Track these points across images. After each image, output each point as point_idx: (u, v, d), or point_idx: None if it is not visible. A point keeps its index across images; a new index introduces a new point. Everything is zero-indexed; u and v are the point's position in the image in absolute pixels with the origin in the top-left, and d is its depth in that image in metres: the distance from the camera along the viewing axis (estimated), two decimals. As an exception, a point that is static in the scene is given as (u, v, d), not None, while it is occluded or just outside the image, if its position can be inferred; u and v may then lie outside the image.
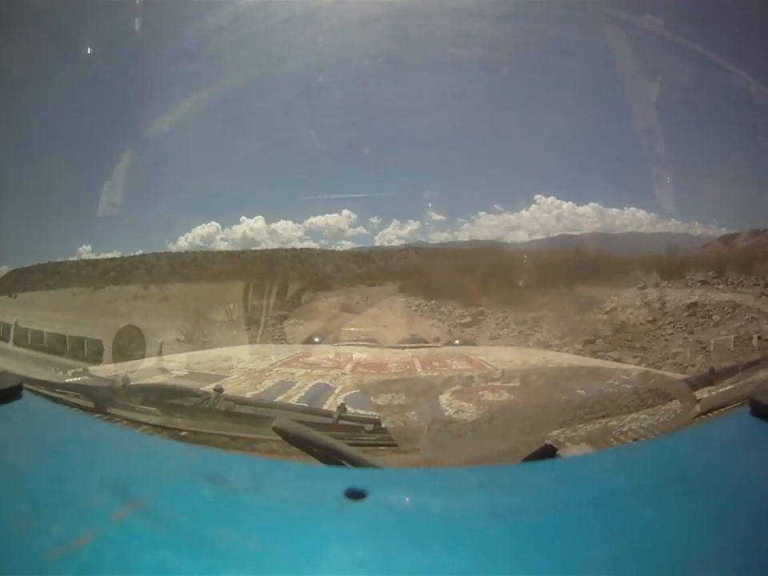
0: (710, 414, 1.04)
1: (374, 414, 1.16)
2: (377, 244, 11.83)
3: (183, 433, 1.09)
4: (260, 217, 10.74)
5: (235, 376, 1.95)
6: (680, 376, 1.73)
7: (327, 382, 1.83)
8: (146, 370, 2.11)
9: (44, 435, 0.92)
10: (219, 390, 1.25)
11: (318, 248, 11.61)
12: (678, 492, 0.66)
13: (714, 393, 1.12)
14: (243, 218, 10.76)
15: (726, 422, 0.98)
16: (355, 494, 0.63)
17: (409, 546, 0.55)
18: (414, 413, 1.26)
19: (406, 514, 0.63)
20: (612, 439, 0.97)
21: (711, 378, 1.22)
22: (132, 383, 1.29)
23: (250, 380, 1.86)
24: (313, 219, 11.29)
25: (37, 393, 1.11)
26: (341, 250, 11.91)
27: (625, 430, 1.00)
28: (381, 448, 1.02)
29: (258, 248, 10.91)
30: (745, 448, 0.81)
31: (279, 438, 0.92)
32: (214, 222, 10.66)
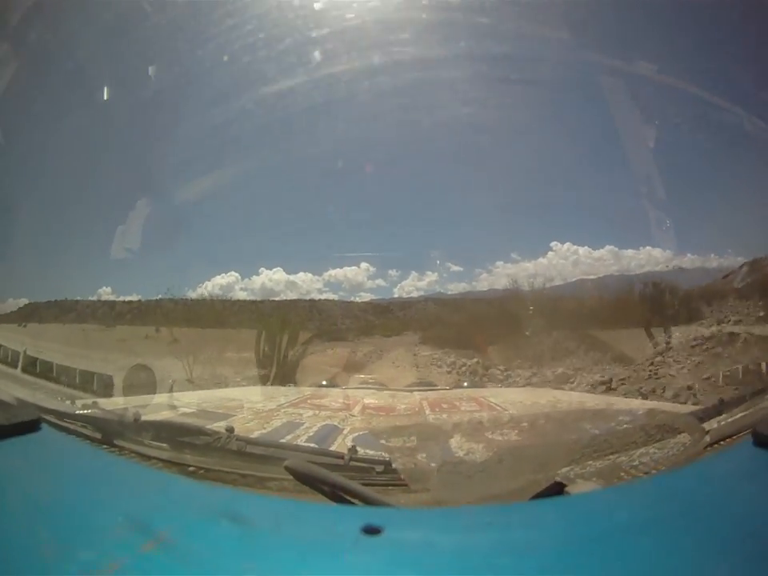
0: (721, 443, 1.04)
1: (385, 455, 1.16)
2: (395, 295, 12.00)
3: (192, 469, 1.09)
4: (279, 268, 10.96)
5: (243, 415, 1.95)
6: (688, 408, 1.73)
7: (335, 423, 1.83)
8: (156, 405, 2.11)
9: (62, 468, 0.93)
10: (230, 430, 1.26)
11: (337, 299, 11.77)
12: (682, 526, 0.66)
13: (723, 423, 1.12)
14: (263, 269, 10.98)
15: (730, 454, 0.98)
16: (371, 531, 0.63)
17: None
18: (423, 454, 1.26)
19: (419, 551, 0.63)
20: (622, 474, 0.97)
21: (720, 408, 1.22)
22: (143, 419, 1.30)
23: (258, 419, 1.86)
24: (332, 272, 11.47)
25: (52, 424, 1.12)
26: (359, 301, 12.08)
27: (635, 464, 1.00)
28: (391, 488, 1.02)
29: (276, 298, 11.09)
30: (748, 479, 0.81)
31: (290, 477, 0.93)
32: (233, 272, 10.88)
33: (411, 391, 3.31)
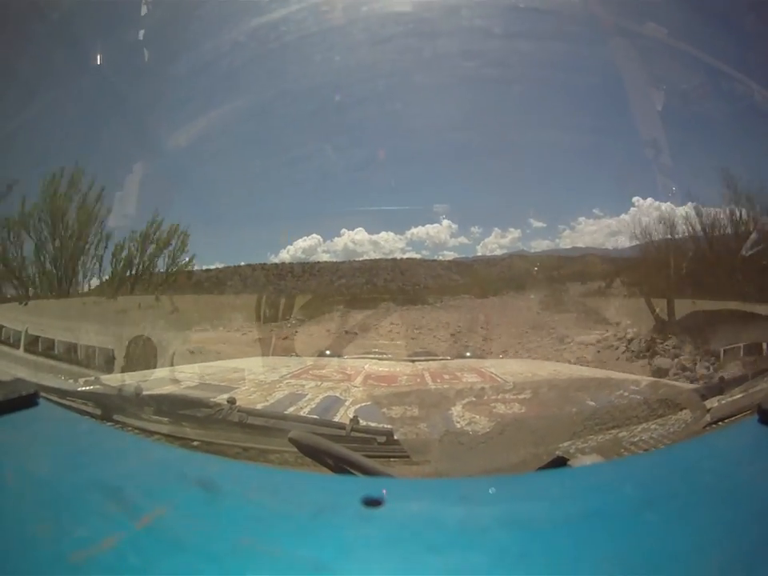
0: (720, 423, 1.04)
1: (386, 426, 1.17)
2: (479, 254, 11.81)
3: (195, 443, 1.10)
4: (361, 229, 10.82)
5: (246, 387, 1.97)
6: (690, 386, 1.73)
7: (337, 394, 1.85)
8: (157, 379, 2.13)
9: (60, 443, 0.94)
10: (232, 402, 1.27)
11: (420, 258, 11.51)
12: (686, 501, 0.66)
13: (723, 401, 1.12)
14: (344, 230, 10.84)
15: (735, 431, 0.98)
16: (372, 502, 0.64)
17: (426, 553, 0.56)
18: (425, 425, 1.27)
19: (421, 522, 0.63)
20: (623, 449, 0.97)
21: (721, 386, 1.22)
22: (145, 393, 1.31)
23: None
24: (414, 230, 11.26)
25: (51, 401, 1.12)
26: (442, 259, 11.77)
27: (635, 440, 1.00)
28: (393, 459, 1.03)
29: (359, 259, 10.95)
30: (753, 456, 0.81)
31: (292, 448, 0.93)
32: (315, 235, 10.75)
33: (413, 361, 3.33)
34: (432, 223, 11.02)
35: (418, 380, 2.46)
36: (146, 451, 0.95)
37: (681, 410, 1.11)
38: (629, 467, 0.86)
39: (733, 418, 1.04)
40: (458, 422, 1.35)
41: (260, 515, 0.65)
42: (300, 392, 1.88)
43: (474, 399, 1.59)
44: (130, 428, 1.14)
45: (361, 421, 1.22)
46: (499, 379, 2.42)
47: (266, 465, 1.01)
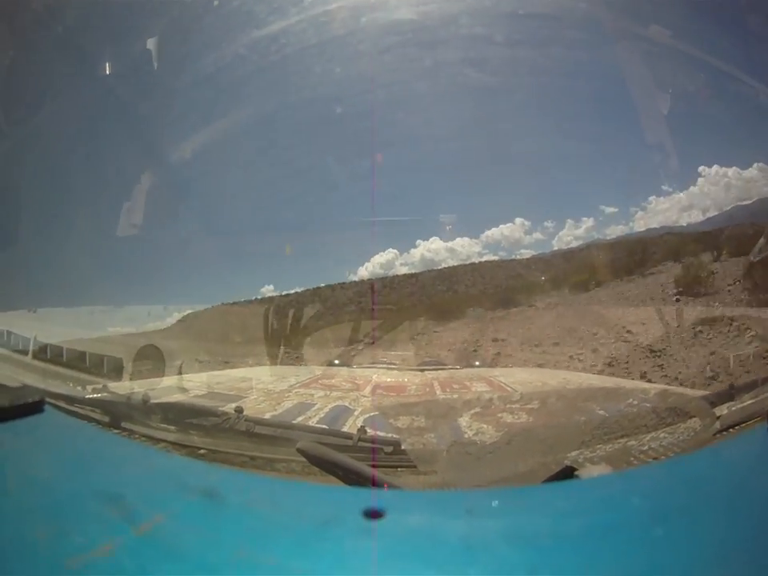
0: (730, 430, 1.03)
1: (394, 435, 1.17)
2: (555, 248, 11.49)
3: (202, 451, 1.10)
4: (435, 237, 10.66)
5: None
6: (700, 393, 1.71)
7: (346, 404, 1.85)
8: (165, 388, 2.14)
9: (64, 449, 0.94)
10: (240, 411, 1.27)
11: (498, 259, 11.25)
12: (697, 514, 0.65)
13: (733, 409, 1.11)
14: (419, 241, 10.71)
15: (744, 440, 0.97)
16: (374, 514, 0.63)
17: (426, 567, 0.55)
18: (432, 435, 1.27)
19: (424, 535, 0.63)
20: (632, 458, 0.97)
21: (731, 393, 1.21)
22: (152, 401, 1.32)
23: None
24: (488, 232, 11.06)
25: (58, 407, 1.13)
26: (520, 258, 11.53)
27: (644, 449, 1.00)
28: (400, 470, 1.03)
29: (437, 268, 10.75)
30: (763, 467, 0.80)
31: (300, 458, 0.94)
32: (391, 249, 10.64)
33: (422, 371, 3.33)
34: (505, 223, 10.77)
35: (427, 389, 2.46)
36: (150, 459, 0.96)
37: (690, 418, 1.10)
38: (637, 479, 0.85)
39: (743, 425, 1.03)
40: (466, 432, 1.35)
41: (260, 526, 0.65)
42: (309, 401, 1.88)
43: (482, 409, 1.59)
44: (136, 435, 1.15)
45: (368, 431, 1.22)
46: (508, 388, 2.41)
47: (268, 475, 1.01)
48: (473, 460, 1.03)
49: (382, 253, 10.57)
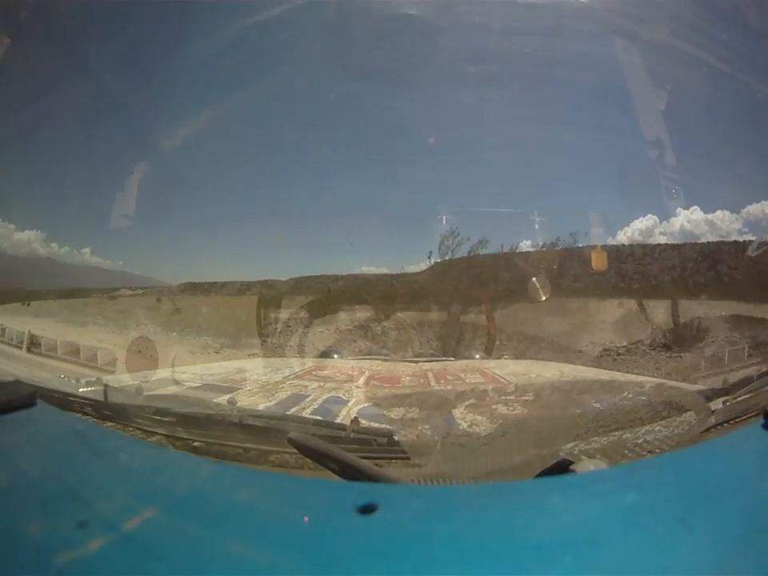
0: (725, 425, 1.03)
1: (388, 427, 1.17)
2: None
3: (196, 444, 1.09)
4: (696, 207, 9.82)
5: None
6: (695, 387, 1.72)
7: (340, 395, 1.84)
8: (160, 380, 2.13)
9: (57, 444, 0.93)
10: (233, 402, 1.26)
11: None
12: (692, 509, 0.65)
13: (728, 404, 1.11)
14: (679, 209, 9.80)
15: (739, 435, 0.97)
16: (366, 509, 0.63)
17: (420, 561, 0.55)
18: (426, 426, 1.27)
19: (417, 531, 0.62)
20: (627, 451, 0.96)
21: (726, 388, 1.21)
22: (145, 393, 1.31)
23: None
24: (749, 208, 9.99)
25: (50, 402, 1.11)
26: None
27: (639, 442, 1.00)
28: (394, 461, 1.03)
29: (697, 242, 9.61)
30: (759, 462, 0.80)
31: (292, 449, 0.93)
32: (651, 215, 9.84)
33: (416, 362, 3.33)
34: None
35: (422, 381, 2.46)
36: (141, 453, 0.95)
37: (685, 411, 1.10)
38: (632, 473, 0.84)
39: (738, 420, 1.03)
40: (460, 424, 1.35)
41: (251, 521, 0.64)
42: (303, 393, 1.88)
43: (476, 400, 1.59)
44: (130, 429, 1.14)
45: (362, 422, 1.21)
46: (502, 380, 2.42)
47: (261, 468, 1.00)
48: (467, 451, 1.03)
49: (641, 218, 9.74)
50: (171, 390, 1.80)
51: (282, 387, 1.99)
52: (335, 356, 4.39)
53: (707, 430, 1.02)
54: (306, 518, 0.63)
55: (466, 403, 1.54)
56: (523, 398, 1.69)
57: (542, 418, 1.43)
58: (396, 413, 1.43)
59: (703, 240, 9.47)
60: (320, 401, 1.73)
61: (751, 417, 1.00)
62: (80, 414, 1.16)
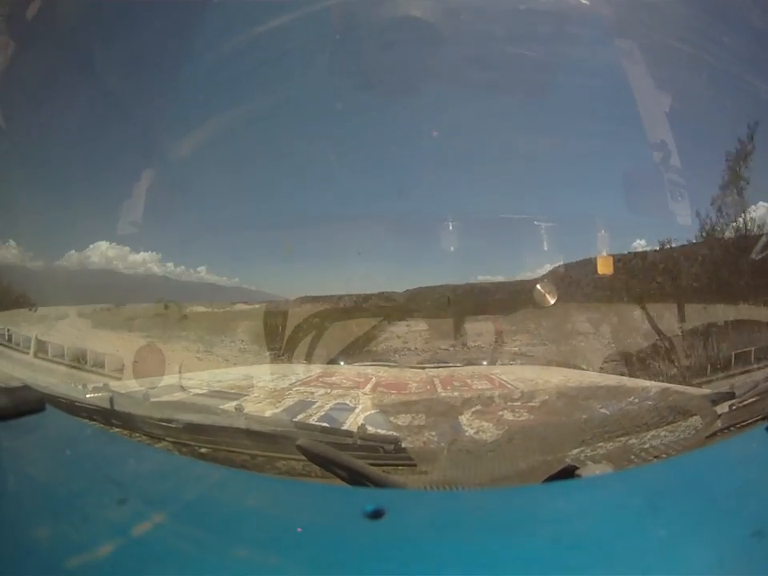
0: (731, 429, 1.03)
1: (395, 433, 1.17)
2: None
3: (203, 450, 1.10)
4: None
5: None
6: (701, 391, 1.71)
7: (347, 402, 1.85)
8: (167, 386, 2.14)
9: (65, 449, 0.93)
10: (240, 409, 1.27)
11: None
12: (698, 513, 0.65)
13: (735, 408, 1.11)
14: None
15: (746, 439, 0.97)
16: (374, 514, 0.63)
17: (427, 567, 0.55)
18: (433, 433, 1.27)
19: (424, 536, 0.63)
20: (633, 457, 0.97)
21: (732, 392, 1.20)
22: (152, 399, 1.31)
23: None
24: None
25: (58, 407, 1.12)
26: None
27: (645, 447, 1.00)
28: (400, 468, 1.03)
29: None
30: (766, 466, 0.80)
31: (300, 456, 0.93)
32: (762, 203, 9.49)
33: (423, 368, 3.33)
34: None
35: (428, 387, 2.46)
36: (150, 458, 0.96)
37: (691, 416, 1.10)
38: (638, 478, 0.84)
39: (744, 424, 1.02)
40: (467, 430, 1.35)
41: (259, 526, 0.65)
42: (309, 399, 1.88)
43: (482, 407, 1.59)
44: (137, 434, 1.15)
45: (369, 428, 1.22)
46: (509, 386, 2.41)
47: (268, 475, 1.01)
48: (473, 458, 1.03)
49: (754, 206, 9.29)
50: (178, 396, 1.81)
51: (289, 394, 2.00)
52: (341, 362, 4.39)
53: (713, 434, 1.02)
54: (300, 529, 0.63)
55: (473, 410, 1.54)
56: (530, 404, 1.69)
57: (548, 424, 1.43)
58: (403, 419, 1.44)
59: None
60: (327, 407, 1.73)
61: (758, 420, 1.00)
62: (88, 420, 1.17)
